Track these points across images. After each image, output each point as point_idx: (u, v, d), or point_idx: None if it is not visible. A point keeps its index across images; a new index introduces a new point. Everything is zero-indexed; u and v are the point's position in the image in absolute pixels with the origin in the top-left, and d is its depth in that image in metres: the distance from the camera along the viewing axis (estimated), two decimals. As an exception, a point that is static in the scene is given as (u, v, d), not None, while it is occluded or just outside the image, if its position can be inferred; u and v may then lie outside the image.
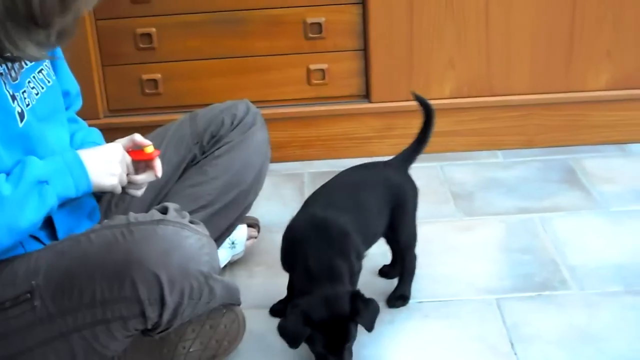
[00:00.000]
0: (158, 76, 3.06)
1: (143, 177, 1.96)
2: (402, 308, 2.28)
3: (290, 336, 1.96)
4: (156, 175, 1.96)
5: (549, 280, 2.38)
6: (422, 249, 2.41)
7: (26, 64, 1.82)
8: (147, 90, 3.07)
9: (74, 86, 2.09)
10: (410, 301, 2.30)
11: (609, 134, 3.19)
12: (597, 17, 3.02)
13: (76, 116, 2.12)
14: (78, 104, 2.12)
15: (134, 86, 3.08)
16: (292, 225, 2.16)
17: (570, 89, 3.12)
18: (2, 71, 1.74)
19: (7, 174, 1.72)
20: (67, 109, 2.04)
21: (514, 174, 3.00)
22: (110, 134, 2.17)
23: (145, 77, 3.06)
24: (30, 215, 1.71)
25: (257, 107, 2.41)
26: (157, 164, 1.96)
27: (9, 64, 1.76)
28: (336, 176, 2.31)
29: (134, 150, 1.96)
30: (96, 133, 2.14)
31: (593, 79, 3.11)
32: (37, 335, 1.75)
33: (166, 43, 3.03)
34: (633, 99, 3.14)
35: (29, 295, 1.73)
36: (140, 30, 3.00)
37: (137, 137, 1.97)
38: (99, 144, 2.07)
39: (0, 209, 1.67)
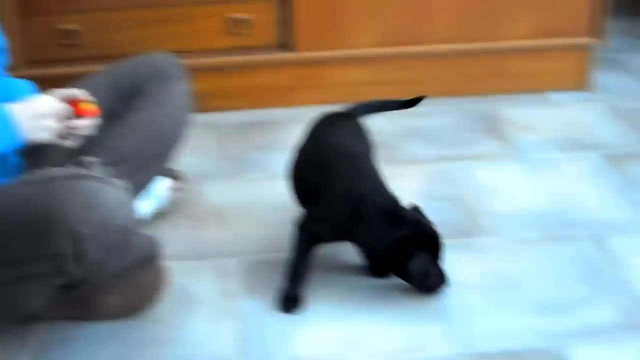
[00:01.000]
0: (78, 27, 3.01)
1: (86, 123, 1.93)
2: (328, 260, 2.28)
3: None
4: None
5: (469, 228, 2.42)
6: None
7: None
8: (66, 42, 3.01)
9: (3, 41, 2.03)
10: (337, 254, 2.32)
11: (530, 83, 3.23)
12: (518, -34, 3.04)
13: (6, 74, 2.07)
14: (3, 58, 2.06)
15: (53, 37, 3.01)
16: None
17: (490, 38, 3.14)
18: None
19: None
20: None
21: (435, 122, 3.02)
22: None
23: (65, 27, 3.00)
24: None
25: (178, 58, 2.39)
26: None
27: None
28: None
29: (71, 100, 1.92)
30: (30, 87, 2.09)
31: (513, 28, 3.14)
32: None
33: None
34: (553, 48, 3.18)
35: None
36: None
37: (74, 90, 1.94)
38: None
39: None
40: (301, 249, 2.12)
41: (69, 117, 1.89)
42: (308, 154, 2.25)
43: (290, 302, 2.11)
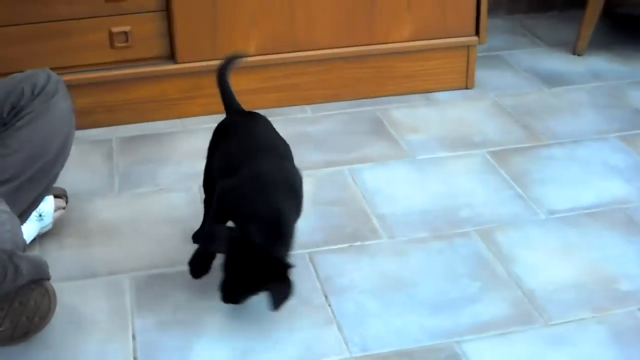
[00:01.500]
0: (-50, 45, 2.93)
1: None
2: (213, 271, 2.26)
3: None
4: None
5: (360, 231, 2.43)
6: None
7: None
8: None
9: None
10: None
11: (414, 84, 3.27)
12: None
13: None
14: None
15: None
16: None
17: (374, 41, 3.17)
18: None
19: None
20: None
21: (322, 127, 3.04)
22: None
23: (-63, 46, 2.93)
24: None
25: (59, 74, 2.34)
26: None
27: None
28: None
29: None
30: None
31: (396, 31, 3.17)
32: None
33: None
34: (433, 48, 3.23)
35: None
36: None
37: None
38: None
39: None
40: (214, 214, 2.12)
41: None
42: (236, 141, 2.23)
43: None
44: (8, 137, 2.18)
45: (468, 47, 3.27)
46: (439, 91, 3.29)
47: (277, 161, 2.17)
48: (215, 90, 3.01)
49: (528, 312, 2.12)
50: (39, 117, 2.21)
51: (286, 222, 2.05)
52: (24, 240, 1.78)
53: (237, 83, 3.06)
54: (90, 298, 2.18)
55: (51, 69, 2.36)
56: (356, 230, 2.43)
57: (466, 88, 3.32)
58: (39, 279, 1.93)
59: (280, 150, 2.24)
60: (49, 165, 2.22)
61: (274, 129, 2.32)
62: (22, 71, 2.33)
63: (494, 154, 2.83)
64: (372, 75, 3.22)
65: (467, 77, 3.32)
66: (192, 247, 2.20)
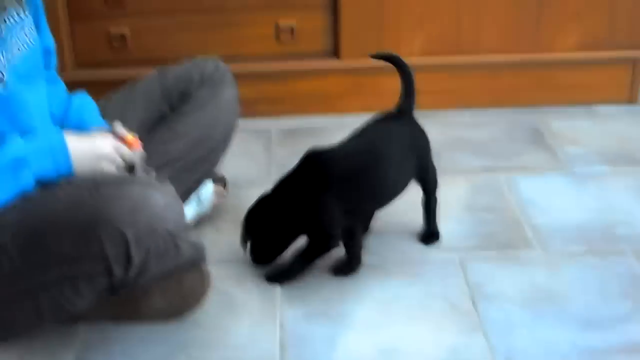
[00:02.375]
0: (126, 30, 3.04)
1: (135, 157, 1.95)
2: (366, 267, 2.29)
3: None
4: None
5: (513, 240, 2.41)
6: (387, 207, 2.44)
7: (9, 21, 1.79)
8: (114, 45, 3.05)
9: (51, 42, 2.06)
10: (375, 257, 2.32)
11: (576, 95, 3.21)
12: (566, -22, 3.03)
13: (57, 76, 2.09)
14: (54, 59, 2.09)
15: (102, 40, 3.05)
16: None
17: (539, 50, 3.13)
18: None
19: None
20: (46, 67, 2.01)
21: (481, 133, 3.02)
22: (79, 88, 2.16)
23: (113, 31, 3.04)
24: (2, 192, 1.71)
25: (226, 63, 2.41)
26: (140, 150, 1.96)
27: None
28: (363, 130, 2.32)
29: (120, 139, 1.94)
30: (87, 98, 2.11)
31: (562, 40, 3.12)
32: (3, 290, 1.75)
33: None
34: (600, 61, 3.16)
35: None
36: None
37: (118, 128, 1.96)
38: (97, 121, 2.06)
39: None
40: None
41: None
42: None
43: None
44: (175, 122, 2.25)
45: (634, 61, 3.19)
46: (601, 104, 3.23)
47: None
48: (375, 89, 3.06)
49: (683, 337, 2.06)
50: (206, 104, 2.27)
51: None
52: (186, 222, 1.84)
53: (397, 83, 3.09)
54: (242, 283, 2.23)
55: (219, 57, 2.42)
56: (509, 239, 2.41)
57: (630, 103, 3.24)
58: (197, 260, 1.99)
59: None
60: (211, 151, 2.28)
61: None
62: (191, 59, 2.40)
63: (656, 172, 2.76)
64: (534, 83, 3.18)
65: (631, 91, 3.24)
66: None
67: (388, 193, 2.28)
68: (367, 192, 2.21)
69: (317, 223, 2.18)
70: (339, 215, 2.17)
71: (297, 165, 2.21)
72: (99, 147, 1.84)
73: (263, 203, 2.20)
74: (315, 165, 2.20)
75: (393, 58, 2.33)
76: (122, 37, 3.04)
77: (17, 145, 1.73)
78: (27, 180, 1.73)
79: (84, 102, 2.09)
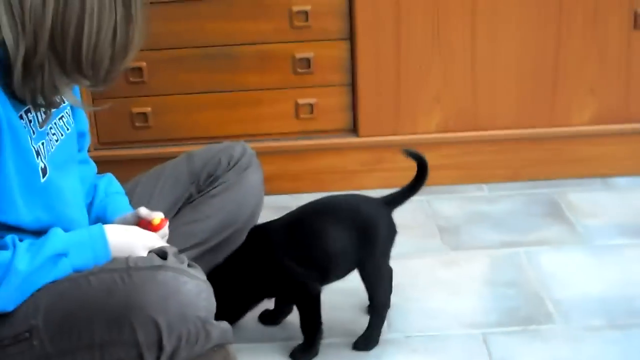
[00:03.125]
0: (148, 109, 3.10)
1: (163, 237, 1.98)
2: (390, 342, 2.30)
3: None
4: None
5: (534, 315, 2.42)
6: (409, 283, 2.47)
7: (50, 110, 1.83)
8: (137, 124, 3.10)
9: (86, 124, 2.10)
10: (398, 335, 2.33)
11: (593, 168, 3.24)
12: (581, 53, 3.08)
13: (88, 157, 2.13)
14: (88, 140, 2.13)
15: (124, 119, 3.11)
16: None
17: (554, 124, 3.17)
18: (31, 118, 1.76)
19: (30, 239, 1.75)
20: (80, 150, 2.05)
21: (500, 207, 3.04)
22: (101, 167, 2.19)
23: (135, 110, 3.09)
24: (39, 283, 1.74)
25: (247, 141, 2.45)
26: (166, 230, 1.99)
27: (39, 112, 1.78)
28: (316, 200, 2.37)
29: (142, 221, 1.97)
30: (114, 180, 2.15)
31: (577, 114, 3.16)
32: (32, 374, 1.76)
33: (157, 77, 3.07)
34: (616, 133, 3.19)
35: (27, 334, 1.74)
36: (130, 64, 3.02)
37: (143, 211, 1.99)
38: (124, 197, 2.10)
39: (12, 281, 1.69)
40: None
41: None
42: None
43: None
44: (202, 204, 2.29)
45: (650, 133, 3.23)
46: (618, 176, 3.25)
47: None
48: (394, 165, 3.09)
49: None
50: (233, 187, 2.31)
51: None
52: (215, 309, 1.85)
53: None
54: (267, 361, 2.25)
55: (239, 136, 2.46)
56: (531, 313, 2.42)
57: (647, 175, 3.27)
58: (224, 343, 2.00)
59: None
60: (237, 234, 2.30)
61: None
62: (212, 137, 2.44)
63: (675, 244, 2.77)
64: (550, 157, 3.21)
65: (648, 163, 3.27)
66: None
67: (331, 266, 2.27)
68: (309, 258, 2.24)
69: (284, 280, 2.23)
70: (298, 267, 2.22)
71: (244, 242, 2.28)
72: (139, 239, 1.86)
73: (215, 273, 2.18)
74: (258, 234, 2.29)
75: (420, 159, 2.35)
76: (144, 116, 3.09)
77: (59, 240, 1.76)
78: (65, 271, 1.76)
79: (111, 184, 2.13)
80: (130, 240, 1.86)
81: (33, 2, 1.64)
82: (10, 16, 1.64)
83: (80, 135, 2.04)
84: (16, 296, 1.72)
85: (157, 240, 1.90)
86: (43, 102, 1.73)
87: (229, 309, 2.17)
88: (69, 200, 1.86)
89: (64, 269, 1.75)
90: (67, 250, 1.76)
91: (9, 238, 1.72)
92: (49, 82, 1.70)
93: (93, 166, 2.14)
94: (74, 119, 1.96)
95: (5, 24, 1.64)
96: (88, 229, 1.82)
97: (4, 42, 1.65)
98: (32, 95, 1.71)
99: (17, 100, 1.71)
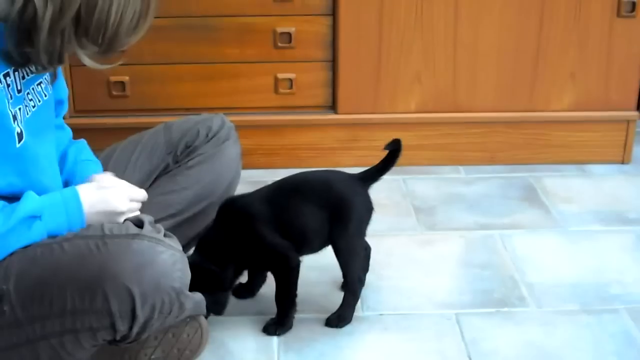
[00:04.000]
0: (126, 78, 3.06)
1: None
2: (362, 320, 2.30)
3: None
4: None
5: (508, 297, 2.42)
6: (383, 262, 2.46)
7: (27, 75, 1.81)
8: (114, 92, 3.07)
9: (65, 92, 2.08)
10: (371, 313, 2.33)
11: (570, 154, 3.24)
12: (562, 39, 3.07)
13: (63, 123, 2.11)
14: (66, 108, 2.11)
15: (101, 87, 3.07)
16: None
17: (533, 109, 3.17)
18: (9, 83, 1.73)
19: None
20: (57, 115, 2.03)
21: (476, 189, 3.04)
22: (77, 135, 2.17)
23: (112, 78, 3.06)
24: (13, 246, 1.72)
25: (225, 114, 2.43)
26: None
27: (17, 74, 1.76)
28: (292, 175, 2.35)
29: None
30: (85, 147, 2.13)
31: (556, 100, 3.16)
32: (3, 339, 1.74)
33: (135, 46, 2.96)
34: (593, 120, 3.20)
35: None
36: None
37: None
38: (94, 164, 2.08)
39: None
40: None
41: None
42: None
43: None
44: (178, 174, 2.27)
45: (628, 122, 3.23)
46: (594, 163, 3.26)
47: None
48: (371, 144, 3.08)
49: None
50: (210, 159, 2.30)
51: None
52: (189, 278, 1.84)
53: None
54: (240, 335, 2.23)
55: (216, 108, 2.44)
56: (504, 296, 2.42)
57: (622, 163, 3.27)
58: (196, 315, 1.99)
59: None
60: (212, 206, 2.29)
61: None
62: (190, 108, 2.42)
63: (649, 231, 2.79)
64: (528, 141, 3.22)
65: (624, 152, 3.27)
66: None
67: (305, 241, 2.26)
68: (285, 232, 2.22)
69: (265, 251, 2.21)
70: (279, 239, 2.21)
71: (216, 217, 2.24)
72: (112, 203, 1.85)
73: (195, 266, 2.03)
74: (237, 206, 2.26)
75: (396, 147, 2.32)
76: (122, 84, 3.06)
77: (32, 202, 1.74)
78: (39, 234, 1.74)
79: (82, 151, 2.11)
80: (104, 196, 1.84)
81: None
82: None
83: (59, 102, 2.02)
84: None
85: (129, 187, 1.89)
86: (46, 64, 1.73)
87: (217, 283, 2.16)
88: (44, 167, 1.84)
89: (38, 232, 1.74)
90: (41, 212, 1.74)
91: None
92: (64, 46, 1.70)
93: (68, 132, 2.11)
94: (53, 86, 1.94)
95: None
96: (61, 192, 1.80)
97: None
98: (46, 56, 1.70)
99: None
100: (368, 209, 2.29)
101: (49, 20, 1.65)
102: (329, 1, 3.01)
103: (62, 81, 2.03)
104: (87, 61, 1.78)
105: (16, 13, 1.65)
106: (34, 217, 1.73)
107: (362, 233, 2.30)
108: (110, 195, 1.85)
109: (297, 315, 2.27)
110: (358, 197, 2.27)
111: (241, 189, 2.83)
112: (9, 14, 1.65)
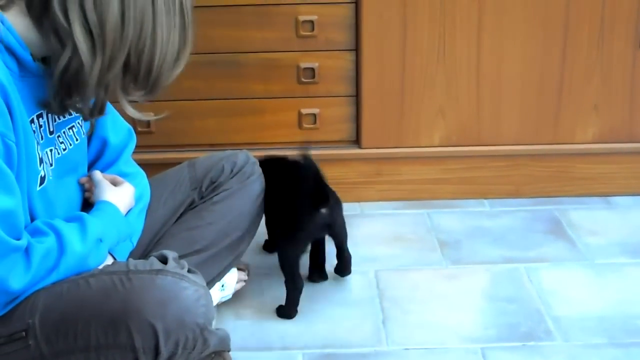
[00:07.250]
0: (151, 115, 3.07)
1: None
2: (387, 355, 2.28)
3: None
4: None
5: (534, 331, 2.41)
6: (409, 296, 2.45)
7: (60, 118, 1.83)
8: (139, 128, 3.09)
9: (118, 134, 2.12)
10: (396, 348, 2.32)
11: (595, 186, 3.23)
12: (585, 71, 3.07)
13: (134, 166, 2.19)
14: (132, 145, 2.18)
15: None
16: None
17: (557, 141, 3.16)
18: (42, 124, 1.75)
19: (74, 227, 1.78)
20: (100, 157, 2.09)
21: (501, 223, 3.03)
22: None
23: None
24: (90, 267, 1.79)
25: (249, 149, 2.45)
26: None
27: (50, 116, 1.78)
28: None
29: None
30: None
31: (580, 132, 3.16)
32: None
33: None
34: (618, 152, 3.19)
35: (23, 333, 1.73)
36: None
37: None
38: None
39: (70, 261, 1.74)
40: None
41: None
42: None
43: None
44: (204, 210, 2.29)
45: (653, 153, 3.22)
46: (619, 195, 3.24)
47: None
48: (395, 178, 3.08)
49: None
50: (235, 195, 2.32)
51: None
52: (214, 315, 1.84)
53: (417, 172, 3.14)
54: (264, 370, 2.24)
55: (241, 144, 2.46)
56: (530, 329, 2.41)
57: (649, 195, 3.27)
58: (221, 351, 1.99)
59: None
60: (237, 241, 2.30)
61: None
62: (215, 144, 2.44)
63: (676, 265, 2.76)
64: (553, 174, 3.21)
65: (650, 183, 3.26)
66: (369, 330, 2.23)
67: None
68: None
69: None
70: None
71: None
72: (130, 191, 2.01)
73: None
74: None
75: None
76: (147, 122, 3.07)
77: (95, 223, 1.80)
78: (105, 255, 1.81)
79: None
80: (123, 192, 1.99)
81: (112, 23, 1.64)
82: (86, 32, 1.64)
83: (104, 143, 2.06)
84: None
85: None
86: (87, 115, 1.76)
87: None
88: (57, 213, 1.86)
89: (104, 252, 1.82)
90: (103, 235, 1.81)
91: (41, 223, 1.75)
92: (108, 97, 1.72)
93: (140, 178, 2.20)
94: (101, 127, 1.98)
95: (80, 37, 1.63)
96: (103, 211, 1.88)
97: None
98: (88, 109, 1.76)
99: (34, 104, 1.71)
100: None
101: (97, 74, 1.66)
102: (352, 37, 3.02)
103: (113, 121, 2.07)
104: (130, 111, 1.79)
105: (61, 70, 1.66)
106: (100, 240, 1.80)
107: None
108: (126, 191, 1.97)
109: (325, 351, 2.26)
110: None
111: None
112: (54, 72, 1.66)
